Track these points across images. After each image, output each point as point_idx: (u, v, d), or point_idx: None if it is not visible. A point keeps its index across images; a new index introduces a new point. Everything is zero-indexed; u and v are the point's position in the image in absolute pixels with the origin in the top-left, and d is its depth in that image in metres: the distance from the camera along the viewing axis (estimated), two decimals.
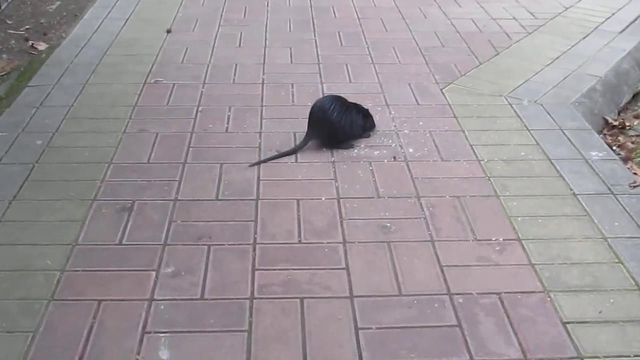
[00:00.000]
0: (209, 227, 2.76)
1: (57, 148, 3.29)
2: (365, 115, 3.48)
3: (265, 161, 3.19)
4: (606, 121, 3.97)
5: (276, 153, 3.25)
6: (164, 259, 2.58)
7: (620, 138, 3.85)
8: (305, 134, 3.32)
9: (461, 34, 4.81)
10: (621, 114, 4.15)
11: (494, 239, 2.73)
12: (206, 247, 2.65)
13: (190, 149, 3.32)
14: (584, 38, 4.74)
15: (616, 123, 3.94)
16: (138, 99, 3.80)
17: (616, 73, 4.29)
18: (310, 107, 3.37)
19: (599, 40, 4.69)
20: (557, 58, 4.41)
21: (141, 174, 3.10)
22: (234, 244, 2.66)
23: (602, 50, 4.55)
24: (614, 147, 3.68)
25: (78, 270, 2.51)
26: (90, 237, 2.68)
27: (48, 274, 2.48)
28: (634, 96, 4.30)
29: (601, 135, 3.72)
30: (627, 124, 3.95)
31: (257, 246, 2.66)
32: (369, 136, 3.46)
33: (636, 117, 4.08)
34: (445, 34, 4.79)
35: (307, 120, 3.35)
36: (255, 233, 2.73)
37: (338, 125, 3.29)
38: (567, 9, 5.32)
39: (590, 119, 3.82)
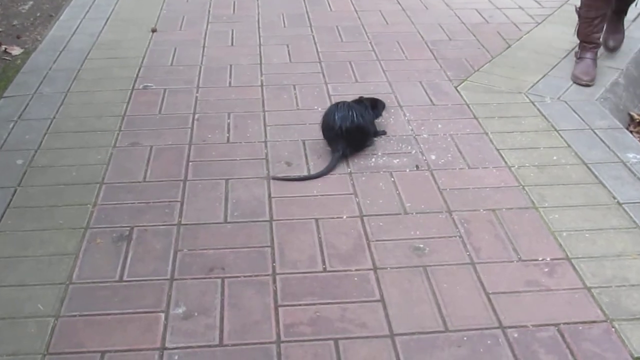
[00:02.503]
0: (220, 256, 2.43)
1: (40, 168, 2.94)
2: (374, 105, 3.25)
3: (293, 179, 2.86)
4: (631, 117, 3.70)
5: (303, 174, 2.91)
6: (172, 296, 2.26)
7: None
8: (334, 149, 3.00)
9: (467, 25, 4.51)
10: None
11: (540, 258, 2.43)
12: (219, 280, 2.33)
13: (190, 163, 2.99)
14: None
15: None
16: (127, 107, 3.45)
17: (637, 64, 4.02)
18: (324, 118, 3.07)
19: None
20: (572, 49, 4.13)
21: (138, 195, 2.76)
22: (250, 276, 2.35)
23: None
24: None
25: (75, 316, 2.18)
26: (86, 274, 2.35)
27: (40, 322, 2.15)
28: None
29: None
30: None
31: (277, 277, 2.34)
32: (384, 133, 3.19)
33: None
34: (450, 26, 4.49)
35: (314, 125, 3.05)
36: (273, 261, 2.41)
37: (369, 128, 3.09)
38: None
39: (617, 115, 3.54)
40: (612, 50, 4.03)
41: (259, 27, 4.50)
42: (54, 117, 3.36)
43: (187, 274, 2.35)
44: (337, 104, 3.04)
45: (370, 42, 4.25)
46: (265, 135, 3.20)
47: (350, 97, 3.26)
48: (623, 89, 3.78)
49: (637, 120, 3.69)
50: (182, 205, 2.71)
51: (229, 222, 2.61)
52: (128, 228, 2.57)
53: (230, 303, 2.23)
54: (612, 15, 3.93)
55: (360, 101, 3.17)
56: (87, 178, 2.87)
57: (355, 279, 2.33)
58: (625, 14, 4.10)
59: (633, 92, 3.87)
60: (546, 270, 2.38)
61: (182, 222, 2.61)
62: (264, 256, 2.43)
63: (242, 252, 2.45)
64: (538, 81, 3.74)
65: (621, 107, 3.69)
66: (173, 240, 2.51)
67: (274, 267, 2.38)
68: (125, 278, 2.33)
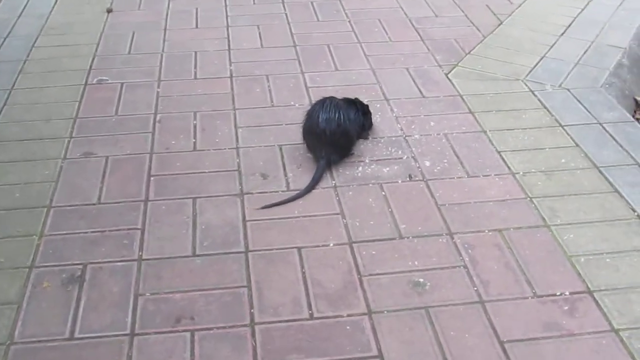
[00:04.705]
0: (188, 302, 2.08)
1: None
2: (365, 112, 2.83)
3: (280, 203, 2.48)
4: (636, 102, 3.39)
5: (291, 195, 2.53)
6: (133, 358, 1.91)
7: None
8: (318, 156, 2.64)
9: None
10: None
11: (558, 293, 2.12)
12: (188, 334, 1.98)
13: (151, 178, 2.61)
14: None
15: None
16: (79, 107, 3.06)
17: None
18: (306, 119, 2.68)
19: (610, 1, 4.08)
20: (569, 26, 3.80)
21: (91, 222, 2.39)
22: (225, 327, 2.00)
23: (617, 14, 3.95)
24: None
25: None
26: (30, 330, 1.99)
27: None
28: None
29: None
30: None
31: (256, 328, 2.00)
32: (367, 137, 2.81)
33: None
34: (436, 0, 4.11)
35: (292, 126, 2.70)
36: (251, 306, 2.07)
37: (354, 134, 2.71)
38: None
39: (624, 103, 3.23)
40: None
41: (225, 5, 4.08)
42: None
43: (150, 327, 2.00)
44: (323, 102, 2.66)
45: (350, 21, 3.86)
46: (237, 140, 2.83)
47: (330, 90, 2.92)
48: (627, 71, 3.46)
49: None
50: (142, 233, 2.34)
51: (198, 255, 2.26)
52: (80, 266, 2.21)
53: None
54: None
55: (351, 101, 2.78)
56: (33, 200, 2.49)
57: (348, 327, 2.00)
58: None
59: (638, 73, 3.54)
60: (566, 308, 2.07)
61: (144, 257, 2.25)
62: (239, 300, 2.09)
63: (214, 294, 2.11)
64: (536, 65, 3.40)
65: (627, 92, 3.37)
66: (133, 280, 2.16)
67: (252, 315, 2.04)
68: (76, 334, 1.98)
